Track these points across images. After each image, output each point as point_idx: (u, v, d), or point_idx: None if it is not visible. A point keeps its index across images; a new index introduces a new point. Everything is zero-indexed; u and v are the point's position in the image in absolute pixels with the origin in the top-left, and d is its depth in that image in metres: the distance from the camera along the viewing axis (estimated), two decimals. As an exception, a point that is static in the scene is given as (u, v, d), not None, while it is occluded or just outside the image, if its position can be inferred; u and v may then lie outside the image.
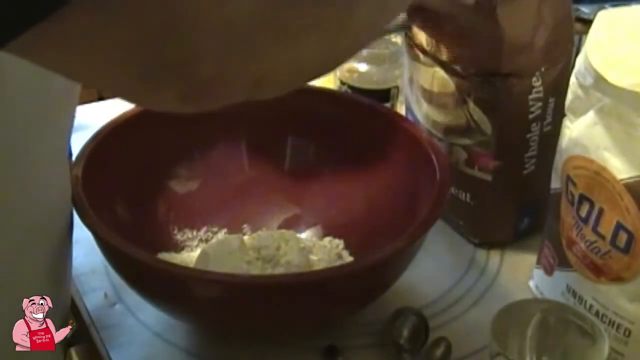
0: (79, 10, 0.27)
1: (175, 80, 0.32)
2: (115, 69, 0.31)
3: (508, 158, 0.72)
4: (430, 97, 0.75)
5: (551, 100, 0.70)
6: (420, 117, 0.77)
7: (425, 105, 0.76)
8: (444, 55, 0.71)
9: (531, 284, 0.72)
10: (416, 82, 0.76)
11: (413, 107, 0.78)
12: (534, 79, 0.68)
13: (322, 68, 0.39)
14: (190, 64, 0.31)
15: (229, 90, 0.35)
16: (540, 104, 0.70)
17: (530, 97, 0.69)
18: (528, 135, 0.71)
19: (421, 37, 0.73)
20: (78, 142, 0.65)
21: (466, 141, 0.73)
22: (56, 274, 0.57)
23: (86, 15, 0.28)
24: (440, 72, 0.72)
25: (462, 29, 0.69)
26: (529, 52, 0.68)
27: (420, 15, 0.72)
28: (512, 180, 0.73)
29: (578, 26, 0.76)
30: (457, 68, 0.70)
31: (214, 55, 0.32)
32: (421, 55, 0.74)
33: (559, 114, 0.65)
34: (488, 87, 0.69)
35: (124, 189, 0.69)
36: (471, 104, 0.70)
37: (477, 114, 0.70)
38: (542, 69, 0.69)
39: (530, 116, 0.70)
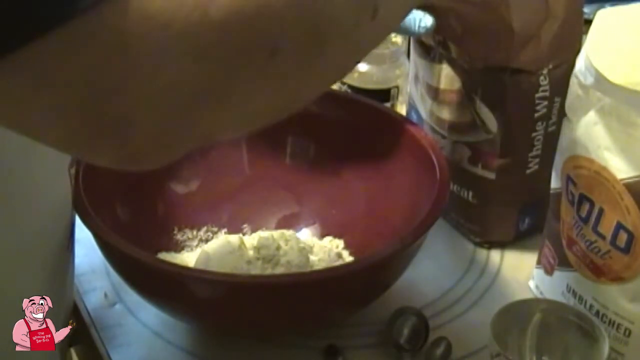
0: (11, 69, 0.27)
1: (108, 145, 0.31)
2: (47, 128, 0.30)
3: (512, 157, 0.72)
4: (435, 94, 0.75)
5: (557, 99, 0.70)
6: (424, 114, 0.77)
7: (429, 102, 0.76)
8: (452, 52, 0.71)
9: (531, 284, 0.71)
10: (421, 79, 0.76)
11: (417, 104, 0.78)
12: (541, 77, 0.68)
13: (283, 112, 0.37)
14: (122, 132, 0.30)
15: (172, 151, 0.33)
16: (546, 102, 0.70)
17: (537, 95, 0.69)
18: (533, 135, 0.71)
19: (428, 33, 0.73)
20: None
21: (471, 138, 0.73)
22: (58, 276, 0.57)
23: (17, 77, 0.27)
24: (447, 68, 0.72)
25: (470, 24, 0.69)
26: (536, 44, 0.67)
27: (428, 13, 0.71)
28: (515, 179, 0.73)
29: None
30: (465, 64, 0.70)
31: (149, 123, 0.31)
32: (428, 52, 0.74)
33: (564, 114, 0.65)
34: (496, 83, 0.69)
35: (124, 189, 0.69)
36: (478, 101, 0.70)
37: (484, 111, 0.70)
38: (550, 66, 0.68)
39: (536, 115, 0.70)
